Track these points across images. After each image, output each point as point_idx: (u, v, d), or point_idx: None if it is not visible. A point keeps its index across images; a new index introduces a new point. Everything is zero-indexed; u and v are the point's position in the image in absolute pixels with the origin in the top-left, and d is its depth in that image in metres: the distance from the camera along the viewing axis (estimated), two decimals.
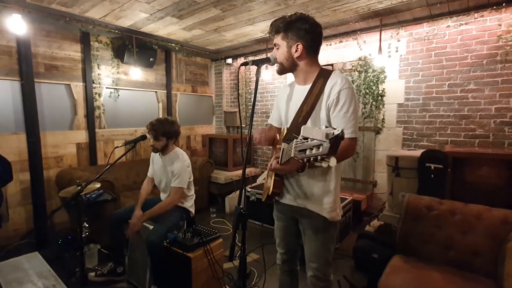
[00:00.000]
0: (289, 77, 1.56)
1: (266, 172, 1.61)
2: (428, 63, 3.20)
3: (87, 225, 2.44)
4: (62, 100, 3.40)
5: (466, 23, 2.92)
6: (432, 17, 3.06)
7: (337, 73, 1.31)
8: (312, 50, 1.33)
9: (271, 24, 1.35)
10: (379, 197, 3.61)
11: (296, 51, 1.31)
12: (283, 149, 1.18)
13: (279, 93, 1.58)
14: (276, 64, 1.38)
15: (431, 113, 3.22)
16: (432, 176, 2.46)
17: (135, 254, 2.27)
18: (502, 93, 2.80)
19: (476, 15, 2.85)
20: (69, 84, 3.41)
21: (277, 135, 1.51)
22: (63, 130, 3.41)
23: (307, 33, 1.29)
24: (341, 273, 2.38)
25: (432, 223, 1.88)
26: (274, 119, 1.58)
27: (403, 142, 3.42)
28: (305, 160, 0.86)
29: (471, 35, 2.92)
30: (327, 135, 0.78)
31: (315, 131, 0.82)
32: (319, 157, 0.81)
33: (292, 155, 0.93)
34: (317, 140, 0.81)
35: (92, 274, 2.32)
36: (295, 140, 0.93)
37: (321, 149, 0.80)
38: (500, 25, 2.75)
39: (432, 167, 2.45)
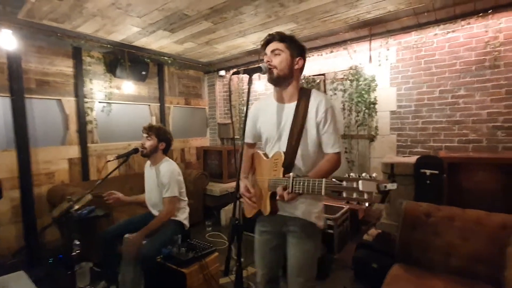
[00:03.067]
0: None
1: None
2: (418, 70, 3.25)
3: (78, 243, 2.36)
4: (54, 115, 3.37)
5: (453, 31, 2.99)
6: (419, 26, 3.13)
7: (317, 92, 1.39)
8: (302, 71, 1.42)
9: (275, 33, 1.37)
10: (377, 205, 3.58)
11: (297, 64, 1.38)
12: (292, 177, 1.16)
13: (254, 111, 1.52)
14: (268, 73, 1.37)
15: (424, 120, 3.24)
16: (428, 182, 2.46)
17: (128, 271, 2.18)
18: (493, 97, 2.84)
19: (462, 22, 2.92)
20: (60, 99, 3.38)
21: (259, 153, 1.53)
22: (55, 145, 3.36)
23: (304, 55, 1.41)
24: (342, 285, 2.32)
25: (431, 230, 1.85)
26: (250, 137, 1.57)
27: (397, 149, 3.43)
28: (345, 201, 0.99)
29: (459, 42, 2.98)
30: (378, 188, 0.89)
31: (365, 183, 0.91)
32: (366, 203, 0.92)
33: (323, 194, 1.04)
34: (364, 191, 0.91)
35: None
36: (325, 180, 1.03)
37: (366, 196, 0.91)
38: (487, 31, 2.81)
39: (428, 173, 2.45)
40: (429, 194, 2.38)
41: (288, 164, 1.31)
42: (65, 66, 3.41)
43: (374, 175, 0.93)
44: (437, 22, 3.03)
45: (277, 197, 1.22)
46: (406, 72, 3.32)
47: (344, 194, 0.95)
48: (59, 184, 3.32)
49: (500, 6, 2.68)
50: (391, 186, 0.88)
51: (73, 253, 2.10)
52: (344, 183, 0.96)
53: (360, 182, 0.91)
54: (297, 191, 1.14)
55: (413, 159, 2.65)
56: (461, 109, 3.01)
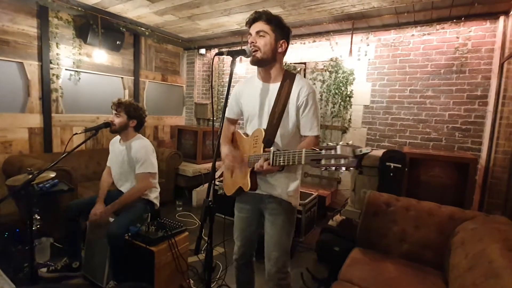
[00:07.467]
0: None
1: (224, 167, 1.61)
2: (393, 68, 3.38)
3: (38, 217, 2.24)
4: (13, 79, 3.07)
5: (428, 34, 3.13)
6: (399, 25, 3.24)
7: (301, 77, 1.44)
8: (285, 54, 1.44)
9: (261, 12, 1.35)
10: (343, 193, 3.78)
11: (281, 47, 1.39)
12: (273, 152, 1.23)
13: (238, 88, 1.57)
14: (251, 56, 1.36)
15: (393, 116, 3.42)
16: (391, 174, 2.63)
17: (93, 248, 2.14)
18: (455, 101, 3.06)
19: (437, 26, 3.07)
20: (21, 62, 3.08)
21: (239, 132, 1.58)
22: (13, 112, 3.09)
23: (289, 37, 1.42)
24: (304, 266, 2.46)
25: (390, 218, 2.01)
26: (233, 113, 1.62)
27: (366, 142, 3.60)
28: (323, 168, 1.03)
29: (432, 45, 3.14)
30: (354, 152, 0.94)
31: (342, 148, 0.96)
32: (343, 168, 0.96)
33: (303, 163, 1.09)
34: (342, 155, 0.95)
35: (44, 269, 2.14)
36: (304, 150, 1.08)
37: (343, 161, 0.95)
38: (458, 37, 2.99)
39: (392, 166, 2.62)
40: (391, 186, 2.55)
41: (268, 141, 1.35)
42: (28, 26, 3.09)
43: (350, 142, 0.98)
44: (415, 23, 3.15)
45: (257, 167, 1.27)
46: (382, 69, 3.45)
47: (323, 162, 1.00)
48: (17, 155, 3.09)
49: (472, 15, 2.85)
50: (366, 150, 0.94)
51: (33, 228, 2.00)
52: (323, 152, 1.01)
53: (338, 147, 0.97)
54: (278, 163, 1.21)
55: (379, 152, 2.80)
56: (427, 109, 3.21)
